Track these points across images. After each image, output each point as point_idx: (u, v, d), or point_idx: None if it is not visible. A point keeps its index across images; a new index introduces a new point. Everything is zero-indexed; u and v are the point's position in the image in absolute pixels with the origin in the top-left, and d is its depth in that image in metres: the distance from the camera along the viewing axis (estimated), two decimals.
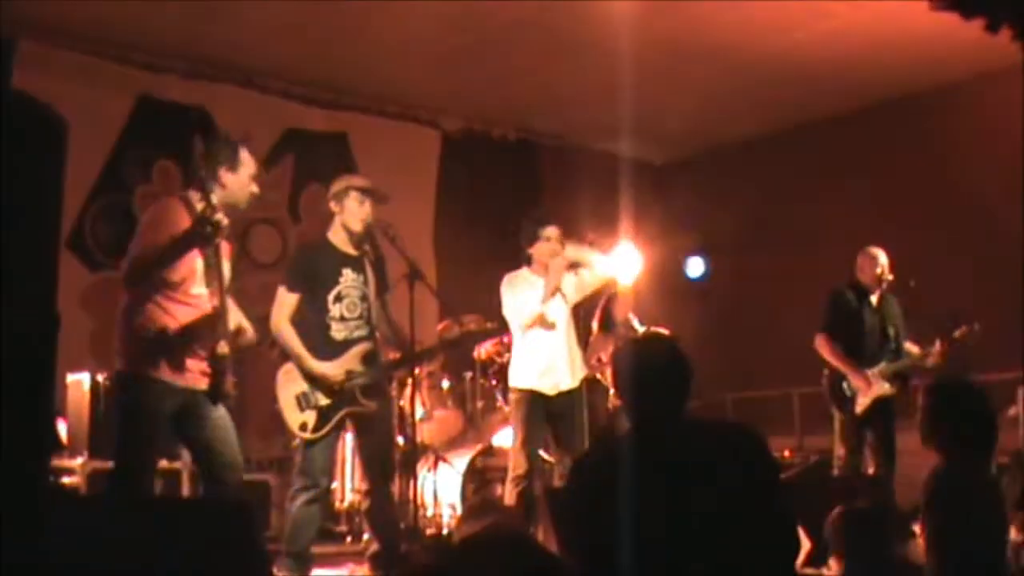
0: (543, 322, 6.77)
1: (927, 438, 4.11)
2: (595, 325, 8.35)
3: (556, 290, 6.83)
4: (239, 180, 5.28)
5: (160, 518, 3.42)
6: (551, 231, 6.84)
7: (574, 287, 6.95)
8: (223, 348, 5.08)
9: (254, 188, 5.35)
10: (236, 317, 5.33)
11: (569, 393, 6.80)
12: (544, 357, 6.78)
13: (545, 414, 6.76)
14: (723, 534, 3.39)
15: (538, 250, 6.86)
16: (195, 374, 5.11)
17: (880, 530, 4.26)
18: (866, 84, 9.87)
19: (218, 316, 5.09)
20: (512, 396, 6.93)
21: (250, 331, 5.42)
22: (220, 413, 5.15)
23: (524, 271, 6.94)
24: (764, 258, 11.04)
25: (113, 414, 6.59)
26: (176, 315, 5.06)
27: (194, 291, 5.11)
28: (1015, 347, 8.26)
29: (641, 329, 8.12)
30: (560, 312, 6.87)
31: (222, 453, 5.17)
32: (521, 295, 6.83)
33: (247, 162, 5.33)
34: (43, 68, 8.34)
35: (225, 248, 5.34)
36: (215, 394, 5.09)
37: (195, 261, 5.11)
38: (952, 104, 9.78)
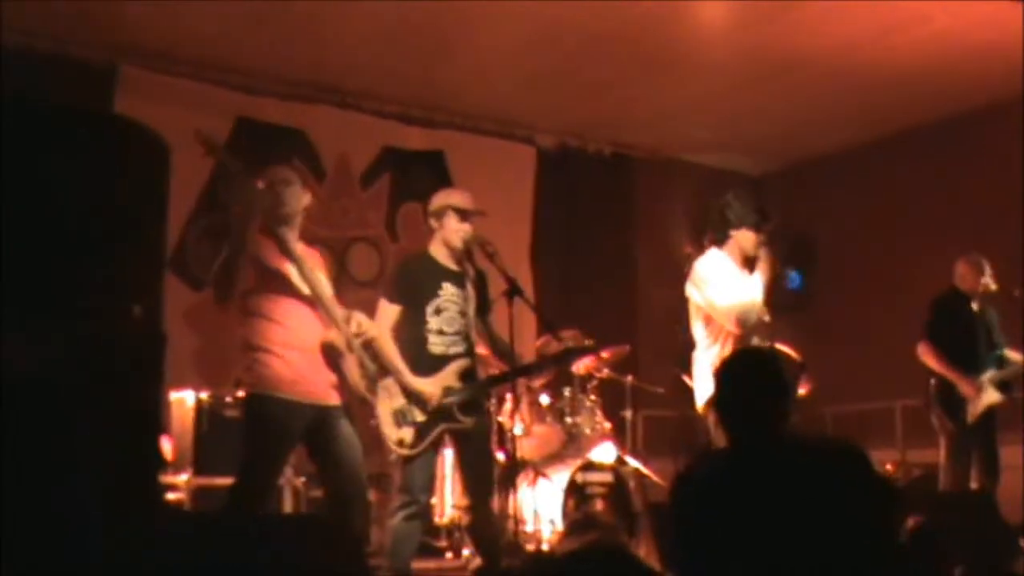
0: (761, 323, 6.22)
1: None
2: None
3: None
4: (288, 200, 5.39)
5: (271, 535, 3.46)
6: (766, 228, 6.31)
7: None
8: (331, 336, 5.19)
9: (305, 199, 5.47)
10: (361, 320, 5.46)
11: None
12: None
13: None
14: (828, 554, 3.34)
15: (744, 236, 6.32)
16: (322, 388, 5.18)
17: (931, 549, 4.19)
18: (966, 89, 9.67)
19: (327, 313, 5.17)
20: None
21: (371, 328, 5.51)
22: (348, 430, 5.25)
23: (720, 256, 6.32)
24: (863, 267, 10.90)
25: (222, 432, 6.71)
26: (282, 320, 5.14)
27: (291, 295, 5.22)
28: None
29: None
30: None
31: (348, 469, 5.27)
32: (728, 288, 6.17)
33: (282, 179, 5.45)
34: (144, 93, 8.51)
35: (315, 258, 5.45)
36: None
37: (284, 265, 5.20)
38: None
